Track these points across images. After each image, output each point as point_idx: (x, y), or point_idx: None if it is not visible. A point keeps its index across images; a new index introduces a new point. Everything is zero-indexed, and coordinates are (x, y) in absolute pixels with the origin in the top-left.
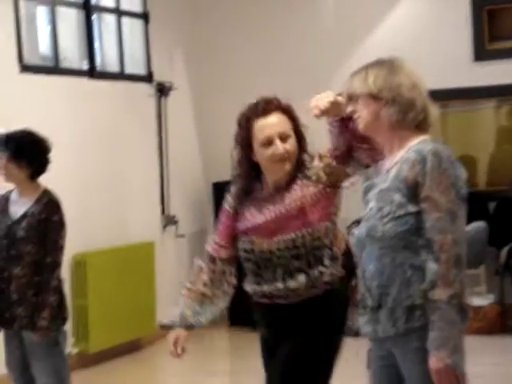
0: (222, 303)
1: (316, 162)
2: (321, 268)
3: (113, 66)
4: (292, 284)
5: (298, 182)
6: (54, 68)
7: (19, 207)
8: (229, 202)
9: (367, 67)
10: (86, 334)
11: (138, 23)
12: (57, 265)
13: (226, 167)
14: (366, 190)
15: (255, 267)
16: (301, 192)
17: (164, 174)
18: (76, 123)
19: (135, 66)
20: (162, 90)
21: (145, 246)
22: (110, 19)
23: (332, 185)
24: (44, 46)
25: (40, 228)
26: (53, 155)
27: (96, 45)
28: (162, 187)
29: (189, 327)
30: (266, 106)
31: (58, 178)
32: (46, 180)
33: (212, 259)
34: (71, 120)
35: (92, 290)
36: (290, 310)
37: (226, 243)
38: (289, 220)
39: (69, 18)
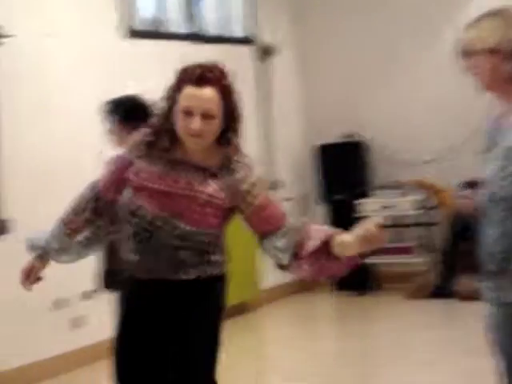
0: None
1: (242, 175)
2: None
3: (215, 29)
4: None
5: (214, 177)
6: (157, 33)
7: None
8: (129, 149)
9: (481, 20)
10: None
11: None
12: None
13: (330, 130)
14: (487, 150)
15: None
16: (212, 189)
17: (267, 137)
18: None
19: (238, 28)
20: (266, 52)
21: None
22: None
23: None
24: (147, 11)
25: None
26: None
27: (198, 8)
28: (266, 151)
29: (46, 260)
30: (203, 75)
31: None
32: None
33: (96, 198)
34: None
35: None
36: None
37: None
38: (185, 205)
39: None
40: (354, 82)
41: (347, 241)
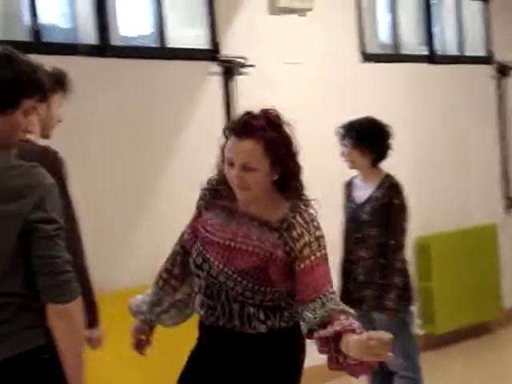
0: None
1: (298, 232)
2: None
3: (452, 50)
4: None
5: (273, 231)
6: (394, 55)
7: (363, 192)
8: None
9: None
10: (431, 316)
11: (476, 4)
12: (399, 247)
13: None
14: None
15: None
16: (269, 245)
17: (505, 154)
18: (415, 109)
19: (474, 48)
20: (503, 71)
21: (487, 228)
22: (448, 2)
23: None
24: (383, 34)
25: (383, 211)
26: (394, 141)
27: (435, 29)
28: (504, 169)
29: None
30: (247, 125)
31: (398, 164)
32: (387, 166)
33: (184, 251)
34: (411, 106)
35: (436, 272)
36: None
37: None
38: (246, 261)
39: (408, 4)
40: None
41: (351, 342)
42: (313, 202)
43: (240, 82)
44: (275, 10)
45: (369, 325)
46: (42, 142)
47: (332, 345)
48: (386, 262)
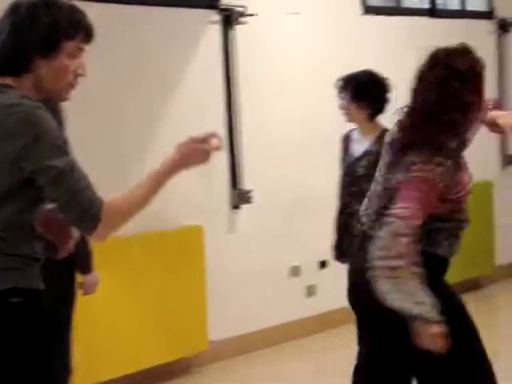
0: None
1: None
2: None
3: (453, 4)
4: None
5: None
6: (394, 8)
7: (360, 146)
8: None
9: None
10: None
11: None
12: None
13: None
14: None
15: None
16: None
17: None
18: (415, 63)
19: (476, 2)
20: (504, 27)
21: (483, 186)
22: None
23: None
24: None
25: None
26: (392, 95)
27: None
28: None
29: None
30: None
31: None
32: (385, 119)
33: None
34: (411, 60)
35: None
36: None
37: None
38: None
39: None
40: None
41: None
42: None
43: (239, 31)
44: None
45: None
46: None
47: None
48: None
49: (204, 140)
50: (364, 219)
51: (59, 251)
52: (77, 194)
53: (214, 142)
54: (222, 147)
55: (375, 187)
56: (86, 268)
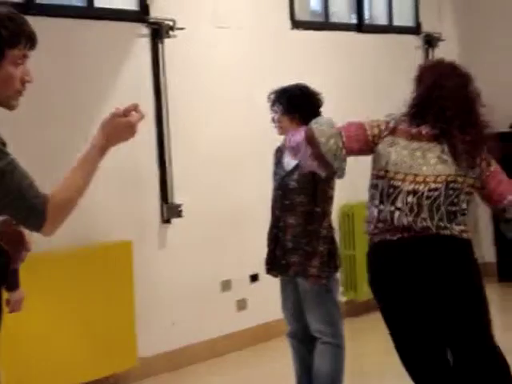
0: None
1: None
2: None
3: (381, 19)
4: None
5: None
6: (323, 23)
7: (292, 159)
8: None
9: None
10: (354, 283)
11: None
12: (326, 214)
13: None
14: None
15: None
16: None
17: None
18: (343, 78)
19: (403, 18)
20: (430, 42)
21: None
22: None
23: None
24: (314, 2)
25: (310, 179)
26: (324, 109)
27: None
28: None
29: None
30: None
31: None
32: None
33: None
34: (338, 75)
35: (359, 240)
36: None
37: None
38: None
39: None
40: None
41: None
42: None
43: (169, 44)
44: None
45: (295, 290)
46: None
47: None
48: (313, 229)
49: (125, 113)
50: None
51: (13, 262)
52: (21, 192)
53: (135, 114)
54: (144, 117)
55: None
56: (13, 284)
